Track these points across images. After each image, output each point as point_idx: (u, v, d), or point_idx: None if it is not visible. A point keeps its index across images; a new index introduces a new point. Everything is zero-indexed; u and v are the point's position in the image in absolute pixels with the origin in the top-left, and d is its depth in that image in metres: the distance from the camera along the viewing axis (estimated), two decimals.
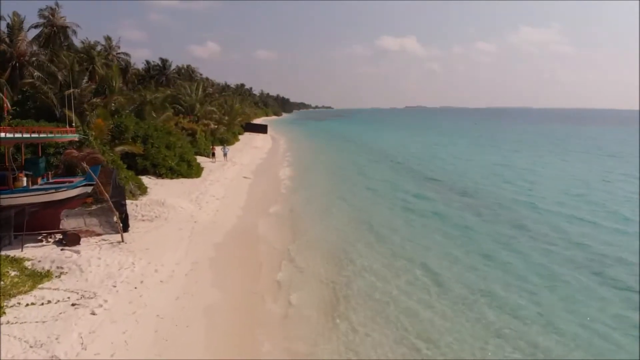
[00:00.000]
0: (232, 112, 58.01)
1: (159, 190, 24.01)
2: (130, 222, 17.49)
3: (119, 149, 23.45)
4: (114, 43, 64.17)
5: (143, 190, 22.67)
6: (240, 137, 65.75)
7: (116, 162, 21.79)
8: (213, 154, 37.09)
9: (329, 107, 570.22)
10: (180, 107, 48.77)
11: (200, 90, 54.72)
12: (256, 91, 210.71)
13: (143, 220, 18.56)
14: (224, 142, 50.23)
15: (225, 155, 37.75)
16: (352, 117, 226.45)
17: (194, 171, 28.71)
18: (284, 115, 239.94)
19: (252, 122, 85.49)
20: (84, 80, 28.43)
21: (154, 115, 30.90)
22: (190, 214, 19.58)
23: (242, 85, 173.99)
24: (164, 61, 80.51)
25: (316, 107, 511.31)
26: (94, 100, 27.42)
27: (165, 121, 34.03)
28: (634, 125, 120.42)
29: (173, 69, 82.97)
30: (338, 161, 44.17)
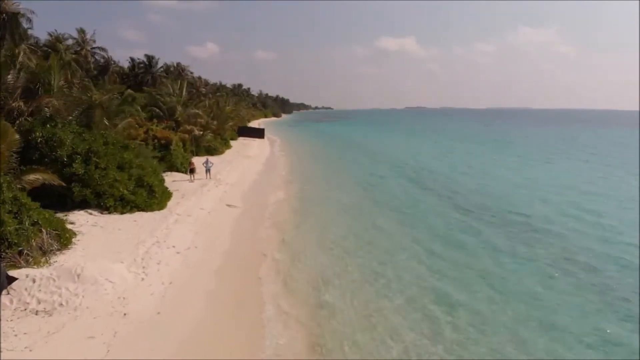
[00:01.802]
0: (222, 115, 50.02)
1: (95, 236, 16.21)
2: (14, 316, 9.89)
3: (30, 177, 15.61)
4: (88, 36, 56.50)
5: (66, 240, 14.89)
6: (233, 142, 57.92)
7: (19, 200, 14.01)
8: (191, 171, 29.24)
9: (329, 108, 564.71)
10: (158, 111, 41.05)
11: (185, 90, 46.98)
12: (255, 92, 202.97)
13: (36, 313, 10.78)
14: (213, 151, 42.49)
15: (207, 171, 29.93)
16: (353, 119, 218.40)
17: (156, 200, 20.89)
18: (284, 116, 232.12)
19: (247, 125, 77.45)
20: (9, 78, 20.72)
21: (107, 123, 23.05)
22: (121, 296, 11.74)
23: (240, 85, 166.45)
24: (149, 58, 72.80)
25: (316, 107, 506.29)
26: (16, 104, 19.67)
27: (128, 129, 26.24)
28: None
29: (160, 67, 75.34)
30: (346, 173, 36.48)
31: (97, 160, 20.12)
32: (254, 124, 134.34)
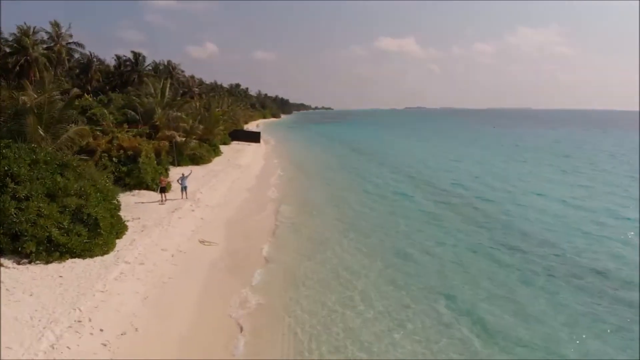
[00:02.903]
0: (211, 118, 44.32)
1: None
2: None
3: None
4: (63, 30, 50.86)
5: None
6: (225, 148, 52.29)
7: None
8: (162, 190, 23.59)
9: (329, 108, 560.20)
10: (134, 114, 35.47)
11: (169, 89, 41.34)
12: (253, 92, 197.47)
13: None
14: (198, 160, 36.87)
15: (183, 189, 24.26)
16: (354, 120, 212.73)
17: (101, 240, 15.21)
18: (283, 117, 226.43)
19: (243, 128, 71.77)
20: None
21: (42, 133, 17.45)
22: None
23: (238, 85, 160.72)
24: (136, 56, 67.30)
25: (316, 108, 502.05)
26: None
27: (79, 139, 20.58)
28: None
29: (148, 65, 69.77)
30: (357, 188, 30.95)
31: (15, 187, 14.52)
32: (252, 125, 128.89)
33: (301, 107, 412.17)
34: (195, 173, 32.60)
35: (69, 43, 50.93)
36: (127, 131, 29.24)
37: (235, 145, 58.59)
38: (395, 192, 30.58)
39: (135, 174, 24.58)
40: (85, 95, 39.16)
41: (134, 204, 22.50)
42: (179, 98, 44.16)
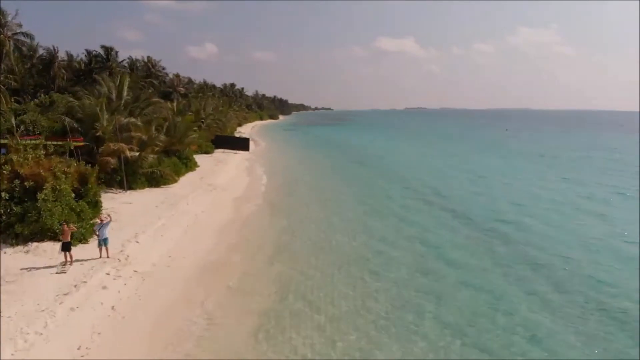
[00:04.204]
0: (181, 125, 35.46)
1: None
2: None
3: None
4: (9, 19, 42.19)
5: None
6: (205, 159, 43.81)
7: None
8: (65, 247, 14.89)
9: (329, 109, 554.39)
10: (72, 122, 26.88)
11: (126, 88, 32.67)
12: (250, 92, 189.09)
13: None
14: (159, 180, 28.37)
15: (102, 244, 15.54)
16: (355, 121, 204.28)
17: None
18: (281, 117, 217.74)
19: (230, 134, 63.07)
20: None
21: None
22: None
23: (233, 85, 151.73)
24: (107, 50, 58.59)
25: (315, 108, 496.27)
26: None
27: None
28: None
29: (123, 61, 61.19)
30: (374, 223, 22.41)
31: None
32: (247, 127, 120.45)
33: (301, 107, 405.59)
34: (145, 201, 24.10)
35: (16, 34, 42.27)
36: (36, 147, 20.49)
37: (219, 154, 50.10)
38: (407, 222, 22.02)
39: (32, 218, 15.98)
40: (5, 97, 30.50)
41: (18, 271, 13.98)
42: (146, 99, 35.42)
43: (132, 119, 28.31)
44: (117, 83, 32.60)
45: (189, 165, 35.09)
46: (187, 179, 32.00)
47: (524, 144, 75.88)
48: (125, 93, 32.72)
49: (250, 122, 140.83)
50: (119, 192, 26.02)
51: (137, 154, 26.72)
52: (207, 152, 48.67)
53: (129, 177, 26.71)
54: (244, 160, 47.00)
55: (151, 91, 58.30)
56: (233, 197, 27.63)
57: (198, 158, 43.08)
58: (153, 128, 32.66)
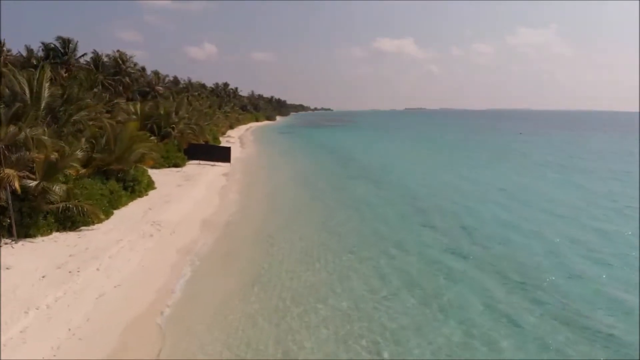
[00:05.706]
0: (123, 134, 26.38)
1: None
2: None
3: None
4: None
5: None
6: (171, 175, 35.29)
7: None
8: None
9: (329, 109, 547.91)
10: None
11: (46, 87, 23.93)
12: (245, 92, 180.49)
13: None
14: (73, 220, 19.74)
15: None
16: (355, 122, 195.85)
17: None
18: (279, 119, 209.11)
19: (208, 141, 54.22)
20: None
21: None
22: None
23: (225, 84, 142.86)
24: (65, 42, 49.86)
25: (315, 109, 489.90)
26: None
27: None
28: None
29: (84, 55, 52.51)
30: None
31: None
32: (240, 130, 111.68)
33: (300, 108, 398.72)
34: (34, 264, 15.27)
35: None
36: None
37: (193, 166, 41.49)
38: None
39: None
40: None
41: None
42: (79, 100, 26.69)
43: (36, 132, 19.55)
44: (36, 77, 23.92)
45: (137, 189, 26.34)
46: (126, 212, 23.27)
47: (545, 151, 67.13)
48: (46, 93, 24.11)
49: (244, 124, 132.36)
50: (6, 243, 17.35)
51: (34, 183, 18.01)
52: (176, 166, 40.10)
53: (25, 218, 18.06)
54: (221, 176, 38.31)
55: (111, 92, 49.69)
56: (177, 248, 18.87)
57: (162, 174, 34.49)
58: (83, 141, 24.03)
